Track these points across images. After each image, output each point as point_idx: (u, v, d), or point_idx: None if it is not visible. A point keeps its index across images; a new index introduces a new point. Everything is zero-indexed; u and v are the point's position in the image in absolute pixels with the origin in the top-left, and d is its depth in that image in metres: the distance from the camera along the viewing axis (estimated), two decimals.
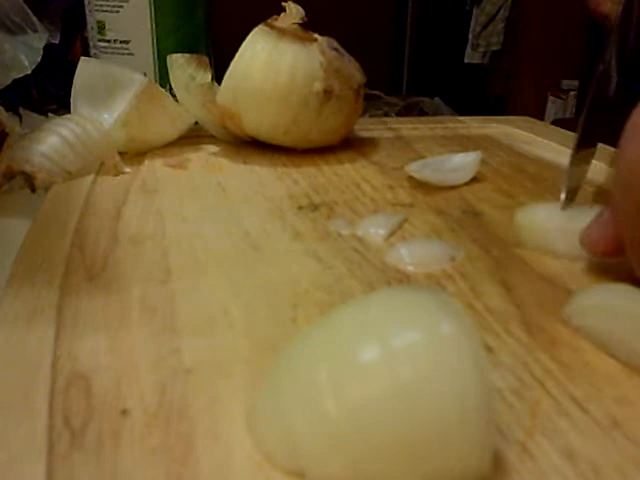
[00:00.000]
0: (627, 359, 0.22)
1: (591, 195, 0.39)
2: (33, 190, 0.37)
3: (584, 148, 0.33)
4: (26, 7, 0.68)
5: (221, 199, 0.37)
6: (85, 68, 0.44)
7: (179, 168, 0.43)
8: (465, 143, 0.50)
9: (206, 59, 0.46)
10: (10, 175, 0.38)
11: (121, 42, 0.52)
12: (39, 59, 0.67)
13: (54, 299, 0.25)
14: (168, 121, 0.45)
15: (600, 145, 0.34)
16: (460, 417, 0.16)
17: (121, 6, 0.51)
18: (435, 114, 1.51)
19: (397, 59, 2.12)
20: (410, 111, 1.56)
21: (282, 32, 0.43)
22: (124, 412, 0.19)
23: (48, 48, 0.69)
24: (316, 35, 0.45)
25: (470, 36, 1.83)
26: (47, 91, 0.73)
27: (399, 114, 1.46)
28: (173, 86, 0.46)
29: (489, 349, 0.23)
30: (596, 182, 0.42)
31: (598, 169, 0.43)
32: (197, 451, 0.18)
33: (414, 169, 0.40)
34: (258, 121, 0.44)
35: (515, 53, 1.80)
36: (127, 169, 0.41)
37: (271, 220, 0.34)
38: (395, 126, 0.55)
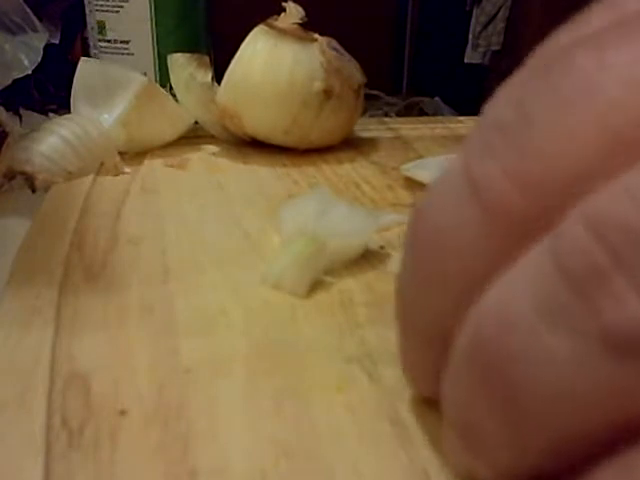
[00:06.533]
0: None
1: None
2: (33, 190, 0.37)
3: None
4: (26, 7, 0.68)
5: (221, 199, 0.37)
6: (85, 68, 0.44)
7: (179, 168, 0.43)
8: None
9: (206, 59, 0.46)
10: (10, 176, 0.38)
11: (121, 42, 0.52)
12: (39, 59, 0.67)
13: (53, 299, 0.25)
14: (168, 121, 0.45)
15: None
16: None
17: (121, 6, 0.51)
18: (435, 114, 1.50)
19: (397, 59, 2.11)
20: (410, 111, 1.55)
21: (282, 32, 0.43)
22: (122, 412, 0.19)
23: (48, 48, 0.69)
24: (316, 35, 0.45)
25: (470, 36, 1.83)
26: (47, 91, 0.73)
27: (399, 114, 1.46)
28: (173, 86, 0.46)
29: None
30: None
31: None
32: (195, 451, 0.18)
33: (406, 168, 0.40)
34: (258, 121, 0.44)
35: (515, 53, 1.80)
36: (127, 169, 0.41)
37: (271, 220, 0.34)
38: (395, 126, 0.55)
